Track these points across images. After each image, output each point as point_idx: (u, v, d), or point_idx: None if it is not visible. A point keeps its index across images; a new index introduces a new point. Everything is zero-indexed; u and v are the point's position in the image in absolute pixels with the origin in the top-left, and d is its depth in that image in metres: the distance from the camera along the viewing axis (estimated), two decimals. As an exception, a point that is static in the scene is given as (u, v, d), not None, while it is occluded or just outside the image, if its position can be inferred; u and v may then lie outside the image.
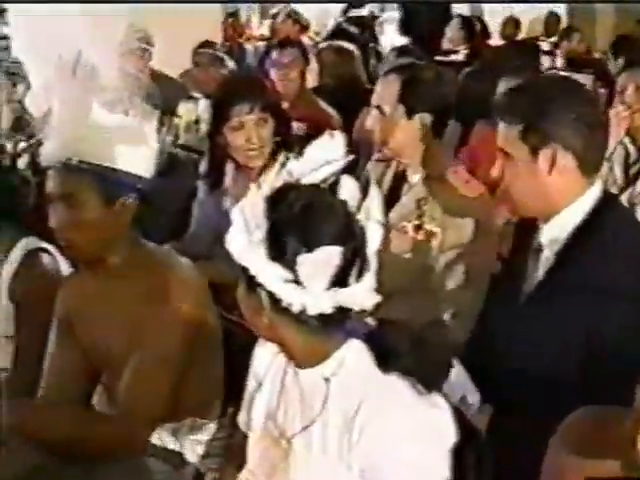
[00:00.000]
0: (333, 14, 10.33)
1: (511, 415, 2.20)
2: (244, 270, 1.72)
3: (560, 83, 2.37)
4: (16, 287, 2.71)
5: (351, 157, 1.71)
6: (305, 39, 8.06)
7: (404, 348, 1.75)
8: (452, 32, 8.54)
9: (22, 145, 3.24)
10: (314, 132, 4.12)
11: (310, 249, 1.64)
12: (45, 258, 2.73)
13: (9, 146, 3.37)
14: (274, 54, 5.13)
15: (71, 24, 5.33)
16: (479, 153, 3.92)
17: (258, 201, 1.70)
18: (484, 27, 9.22)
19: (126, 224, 2.33)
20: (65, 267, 2.73)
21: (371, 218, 1.73)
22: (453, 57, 7.78)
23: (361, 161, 4.65)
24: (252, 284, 1.72)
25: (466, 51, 8.61)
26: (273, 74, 5.05)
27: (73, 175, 2.24)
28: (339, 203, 1.73)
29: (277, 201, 1.70)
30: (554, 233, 2.26)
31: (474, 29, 8.83)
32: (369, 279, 1.72)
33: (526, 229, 2.38)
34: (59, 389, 2.44)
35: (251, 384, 2.02)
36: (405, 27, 7.92)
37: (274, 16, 9.29)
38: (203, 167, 3.54)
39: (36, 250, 2.74)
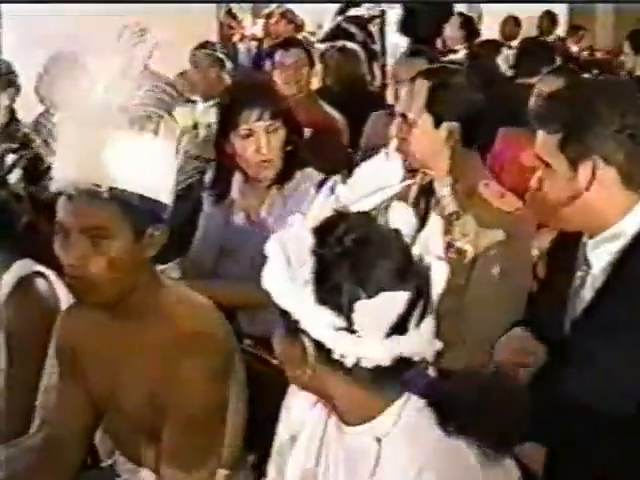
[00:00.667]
0: (328, 14, 10.10)
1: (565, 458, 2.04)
2: (284, 313, 1.47)
3: (603, 89, 2.15)
4: (8, 315, 2.44)
5: (410, 181, 1.45)
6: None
7: (469, 404, 1.49)
8: (451, 31, 8.34)
9: (12, 157, 2.90)
10: (321, 136, 3.91)
11: (369, 293, 1.38)
12: (41, 283, 2.47)
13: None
14: (278, 55, 4.87)
15: (66, 24, 5.09)
16: (504, 160, 3.70)
17: (303, 234, 1.43)
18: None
19: (150, 259, 2.05)
20: (63, 292, 2.46)
21: (431, 253, 1.47)
22: (452, 57, 7.54)
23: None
24: (294, 330, 1.46)
25: (465, 50, 8.41)
26: (276, 76, 4.80)
27: (101, 204, 1.93)
28: (394, 235, 1.48)
29: (325, 234, 1.44)
30: (602, 250, 2.09)
31: (474, 28, 8.62)
32: (430, 323, 1.47)
33: (567, 245, 2.21)
34: (60, 425, 2.23)
35: (282, 436, 1.76)
36: (405, 27, 7.71)
37: (268, 16, 9.03)
38: (208, 177, 3.28)
39: (31, 275, 2.47)
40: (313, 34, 9.17)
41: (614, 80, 2.26)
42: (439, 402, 1.51)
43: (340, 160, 4.63)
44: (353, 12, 7.87)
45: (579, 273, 2.16)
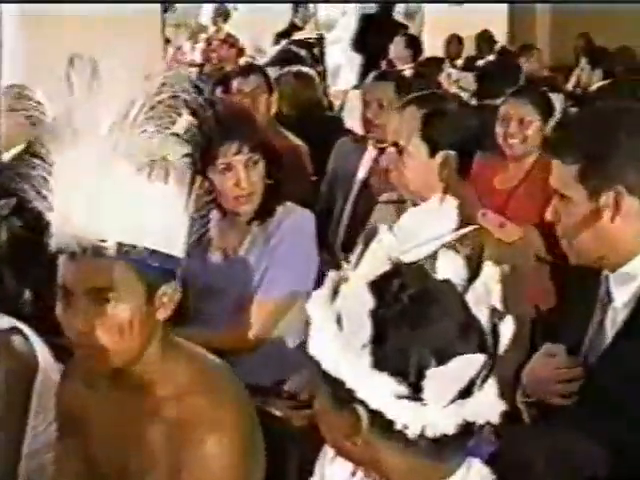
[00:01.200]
0: (266, 37, 10.01)
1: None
2: (333, 381, 1.31)
3: (621, 116, 2.06)
4: None
5: (466, 230, 1.31)
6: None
7: (539, 471, 1.35)
8: (397, 51, 8.27)
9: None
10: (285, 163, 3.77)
11: (436, 355, 1.23)
12: (18, 342, 2.27)
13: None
14: (236, 82, 4.71)
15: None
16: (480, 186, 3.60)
17: (358, 292, 1.28)
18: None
19: (162, 321, 1.85)
20: (42, 350, 2.27)
21: (489, 305, 1.33)
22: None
23: (339, 200, 4.32)
24: (344, 399, 1.31)
25: (411, 70, 8.35)
26: (234, 104, 4.63)
27: (107, 263, 1.73)
28: (448, 287, 1.34)
29: (381, 291, 1.29)
30: (625, 283, 1.99)
31: (420, 47, 8.58)
32: (493, 384, 1.33)
33: (585, 275, 2.11)
34: None
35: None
36: (358, 44, 7.65)
37: (207, 41, 8.90)
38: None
39: (7, 331, 2.27)
40: (253, 59, 9.06)
41: (631, 106, 2.16)
42: (504, 469, 1.36)
43: (305, 189, 4.50)
44: (298, 35, 7.81)
45: (599, 305, 2.05)
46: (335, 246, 4.23)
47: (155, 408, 1.83)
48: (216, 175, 2.83)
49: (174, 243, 1.81)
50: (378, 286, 1.30)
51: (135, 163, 1.75)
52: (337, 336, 1.29)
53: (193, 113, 4.39)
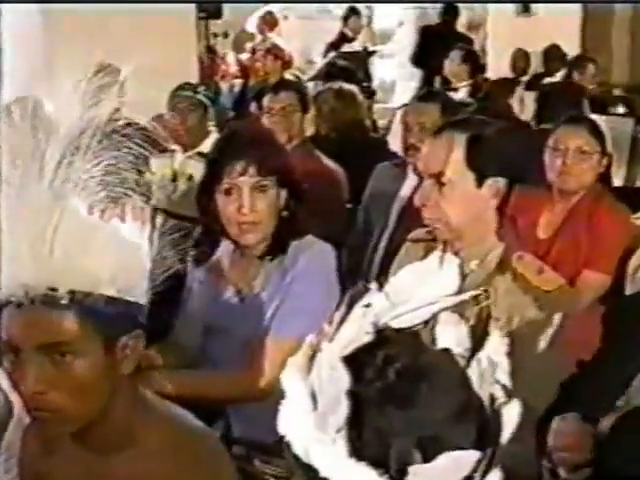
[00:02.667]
0: (317, 47, 9.95)
1: None
2: (304, 466, 1.19)
3: None
4: None
5: (474, 292, 1.19)
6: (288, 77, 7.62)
7: None
8: (451, 66, 8.12)
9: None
10: (317, 191, 3.65)
11: (424, 447, 1.11)
12: None
13: None
14: (266, 99, 4.63)
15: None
16: (520, 225, 3.46)
17: (333, 364, 1.16)
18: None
19: (128, 373, 1.75)
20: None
21: (494, 382, 1.21)
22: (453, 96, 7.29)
23: (376, 229, 4.21)
24: None
25: (467, 88, 8.21)
26: (265, 121, 4.56)
27: (59, 314, 1.63)
28: (446, 358, 1.21)
29: (361, 365, 1.17)
30: None
31: (478, 62, 8.42)
32: (496, 476, 1.20)
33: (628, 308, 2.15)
34: None
35: None
36: (417, 58, 7.52)
37: (252, 51, 8.84)
38: (190, 242, 3.00)
39: None
40: (303, 72, 8.99)
41: None
42: None
43: (339, 219, 4.40)
44: (347, 48, 7.71)
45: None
46: (370, 278, 4.12)
47: (121, 472, 1.74)
48: (220, 196, 2.76)
49: (135, 288, 1.71)
50: (359, 358, 1.17)
51: (88, 200, 1.66)
52: (310, 414, 1.17)
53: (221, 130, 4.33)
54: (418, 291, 1.22)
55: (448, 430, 1.15)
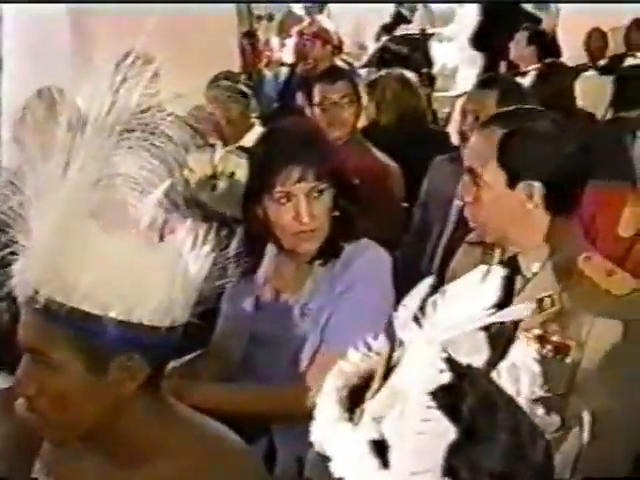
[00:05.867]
0: (368, 30, 9.99)
1: None
2: None
3: None
4: None
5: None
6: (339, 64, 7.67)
7: None
8: (518, 49, 8.10)
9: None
10: (369, 188, 3.71)
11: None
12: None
13: None
14: (319, 88, 4.64)
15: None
16: (596, 225, 3.50)
17: (425, 416, 1.20)
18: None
19: (130, 394, 1.83)
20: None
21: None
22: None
23: (435, 228, 4.28)
24: None
25: (535, 72, 8.21)
26: (317, 114, 4.62)
27: (49, 324, 1.75)
28: (481, 376, 1.29)
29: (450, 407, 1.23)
30: None
31: (547, 44, 8.36)
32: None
33: None
34: None
35: None
36: (480, 40, 7.51)
37: (299, 35, 8.89)
38: (233, 246, 3.07)
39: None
40: (353, 55, 9.03)
41: None
42: None
43: (393, 218, 4.46)
44: (403, 30, 7.72)
45: None
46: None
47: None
48: (272, 204, 2.78)
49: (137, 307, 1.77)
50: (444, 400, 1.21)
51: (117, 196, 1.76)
52: (377, 473, 1.22)
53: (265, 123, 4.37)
54: (458, 307, 1.28)
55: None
